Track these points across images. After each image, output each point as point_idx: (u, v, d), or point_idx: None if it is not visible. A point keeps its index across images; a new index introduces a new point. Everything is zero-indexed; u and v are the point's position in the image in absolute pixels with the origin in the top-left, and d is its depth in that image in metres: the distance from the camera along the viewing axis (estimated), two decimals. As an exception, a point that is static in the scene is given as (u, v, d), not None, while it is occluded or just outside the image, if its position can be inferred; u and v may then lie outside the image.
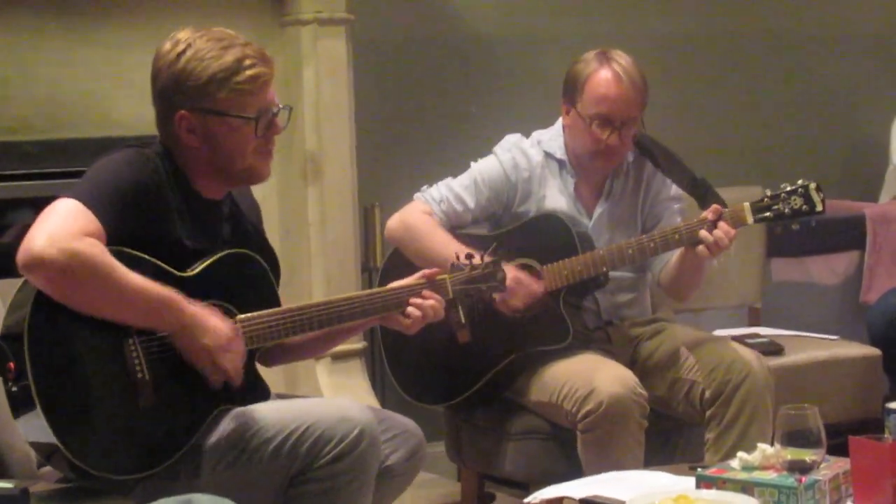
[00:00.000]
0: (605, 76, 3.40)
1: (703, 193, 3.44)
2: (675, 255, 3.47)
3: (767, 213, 3.36)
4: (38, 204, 3.13)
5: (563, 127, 3.55)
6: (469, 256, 3.01)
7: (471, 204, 3.51)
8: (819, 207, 3.35)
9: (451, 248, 3.25)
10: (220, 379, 2.60)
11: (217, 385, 2.60)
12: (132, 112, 3.73)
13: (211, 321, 2.58)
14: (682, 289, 3.55)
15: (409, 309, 2.86)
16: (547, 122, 3.63)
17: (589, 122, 3.40)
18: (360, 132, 4.16)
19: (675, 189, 3.58)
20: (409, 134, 4.57)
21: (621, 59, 3.42)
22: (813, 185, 3.35)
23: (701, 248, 3.32)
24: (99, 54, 3.79)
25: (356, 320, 2.84)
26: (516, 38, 4.77)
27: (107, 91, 3.80)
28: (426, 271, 2.94)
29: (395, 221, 3.54)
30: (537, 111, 3.93)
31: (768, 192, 3.37)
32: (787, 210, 3.35)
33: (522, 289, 3.36)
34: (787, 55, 5.40)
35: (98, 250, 2.45)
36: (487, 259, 3.04)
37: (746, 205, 3.36)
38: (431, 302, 2.89)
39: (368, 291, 2.93)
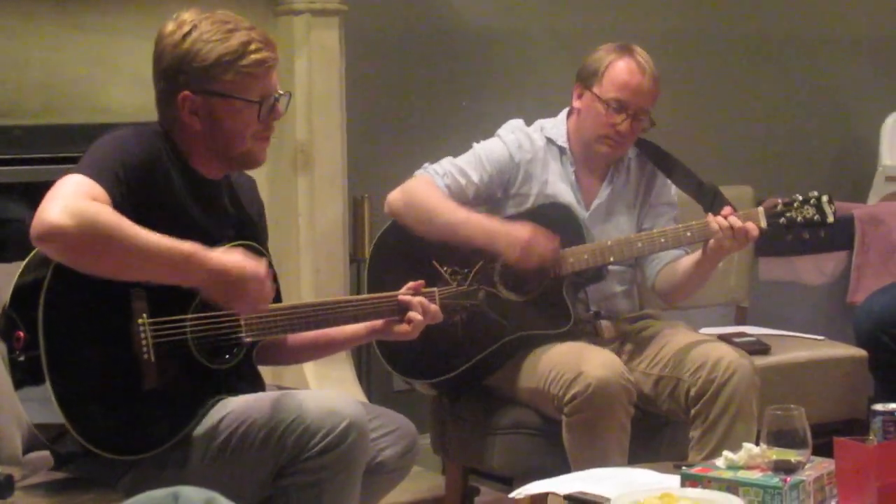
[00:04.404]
0: (627, 64, 3.49)
1: (711, 198, 3.47)
2: (685, 260, 3.50)
3: (780, 220, 3.41)
4: (28, 189, 3.12)
5: (571, 112, 3.59)
6: (454, 274, 3.05)
7: (474, 178, 3.52)
8: (830, 219, 3.41)
9: (459, 213, 3.36)
10: (252, 311, 2.62)
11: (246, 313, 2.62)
12: (123, 98, 3.72)
13: (233, 262, 2.54)
14: (682, 293, 3.58)
15: (411, 314, 2.91)
16: (539, 116, 3.66)
17: (605, 105, 3.45)
18: (351, 123, 4.16)
19: (672, 195, 3.64)
20: (400, 126, 4.57)
21: (642, 52, 3.53)
22: (825, 197, 3.42)
23: (713, 242, 3.35)
24: (91, 40, 3.77)
25: (351, 323, 2.89)
26: (509, 32, 4.77)
27: (98, 77, 3.78)
28: (413, 284, 2.97)
29: (396, 193, 3.55)
30: (530, 105, 3.94)
31: (781, 200, 3.42)
32: (799, 218, 3.41)
33: (539, 245, 3.38)
34: (777, 56, 5.41)
35: (110, 212, 2.44)
36: (472, 281, 3.15)
37: (760, 209, 3.41)
38: (435, 307, 2.95)
39: (366, 296, 2.98)
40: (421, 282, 2.98)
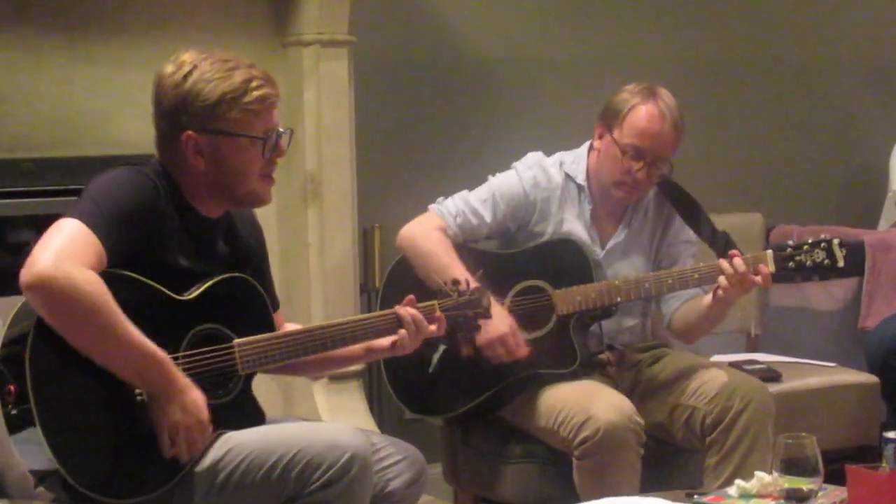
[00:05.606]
0: (649, 111, 3.43)
1: (723, 245, 3.45)
2: (702, 301, 3.47)
3: (789, 263, 3.36)
4: (38, 221, 3.12)
5: (591, 150, 3.57)
6: (455, 283, 3.03)
7: (487, 218, 3.51)
8: (840, 263, 3.36)
9: (447, 273, 3.24)
10: (173, 454, 2.55)
11: (166, 457, 2.55)
12: (133, 130, 3.73)
13: (191, 398, 2.54)
14: (698, 333, 3.57)
15: (400, 330, 2.88)
16: (547, 146, 3.64)
17: (622, 151, 3.42)
18: (360, 154, 4.16)
19: (691, 233, 3.61)
20: (409, 156, 4.57)
21: (667, 98, 3.45)
22: (836, 241, 3.37)
23: (719, 291, 3.33)
24: (100, 73, 3.79)
25: (350, 345, 2.85)
26: (517, 62, 4.78)
27: (108, 109, 3.80)
28: (407, 299, 2.94)
29: (407, 231, 3.53)
30: (537, 134, 3.95)
31: (791, 243, 3.38)
32: (808, 262, 3.36)
33: (506, 345, 3.33)
34: (786, 81, 5.42)
35: (101, 289, 2.43)
36: (473, 286, 3.08)
37: (769, 252, 3.37)
38: (433, 327, 2.92)
39: (362, 316, 2.94)
40: (411, 297, 2.94)
